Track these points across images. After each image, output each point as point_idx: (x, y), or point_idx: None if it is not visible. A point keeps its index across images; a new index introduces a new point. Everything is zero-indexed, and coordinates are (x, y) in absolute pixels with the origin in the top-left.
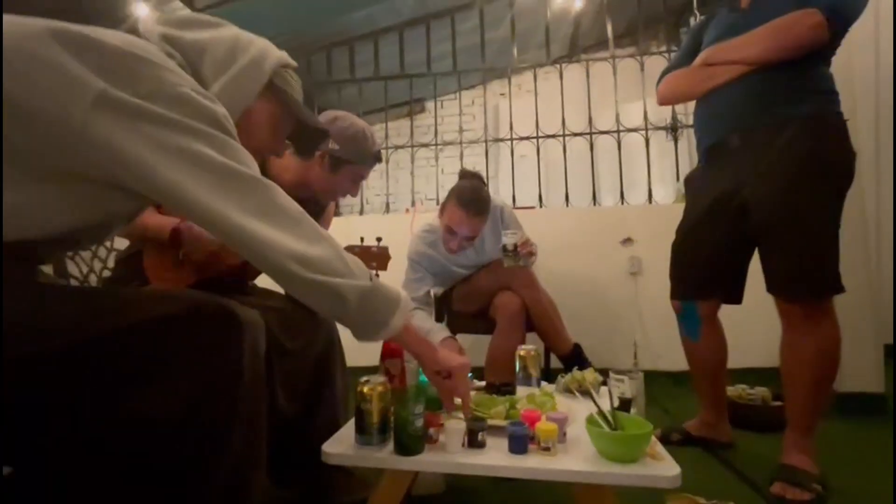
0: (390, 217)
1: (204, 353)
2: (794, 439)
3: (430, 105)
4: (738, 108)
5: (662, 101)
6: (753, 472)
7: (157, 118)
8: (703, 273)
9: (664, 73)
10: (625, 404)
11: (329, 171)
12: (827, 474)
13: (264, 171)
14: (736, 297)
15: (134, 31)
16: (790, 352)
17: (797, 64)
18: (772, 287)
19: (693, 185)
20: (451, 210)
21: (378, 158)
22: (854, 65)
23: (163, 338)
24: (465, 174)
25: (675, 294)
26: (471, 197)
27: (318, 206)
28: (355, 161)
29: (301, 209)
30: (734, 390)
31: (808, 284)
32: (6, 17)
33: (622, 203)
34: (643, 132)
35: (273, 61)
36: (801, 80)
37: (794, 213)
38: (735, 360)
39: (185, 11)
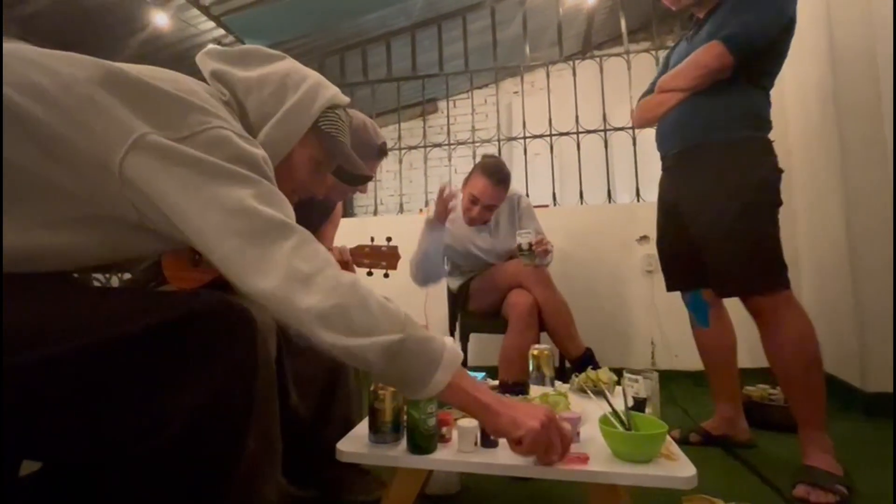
0: (404, 217)
1: (220, 351)
2: (809, 436)
3: (442, 105)
4: (674, 129)
5: (637, 126)
6: (775, 473)
7: (193, 161)
8: (680, 269)
9: (641, 98)
10: (639, 404)
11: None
12: (853, 475)
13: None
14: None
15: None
16: (768, 347)
17: (728, 92)
18: (717, 292)
19: (659, 189)
20: (476, 178)
21: (383, 151)
22: (878, 59)
23: (178, 337)
24: (488, 156)
25: (668, 286)
26: (495, 168)
27: (325, 207)
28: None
29: (328, 254)
30: (756, 390)
31: (739, 285)
32: (63, 54)
33: (638, 200)
34: None
35: (321, 103)
36: (726, 107)
37: (717, 227)
38: (755, 360)
39: (245, 45)
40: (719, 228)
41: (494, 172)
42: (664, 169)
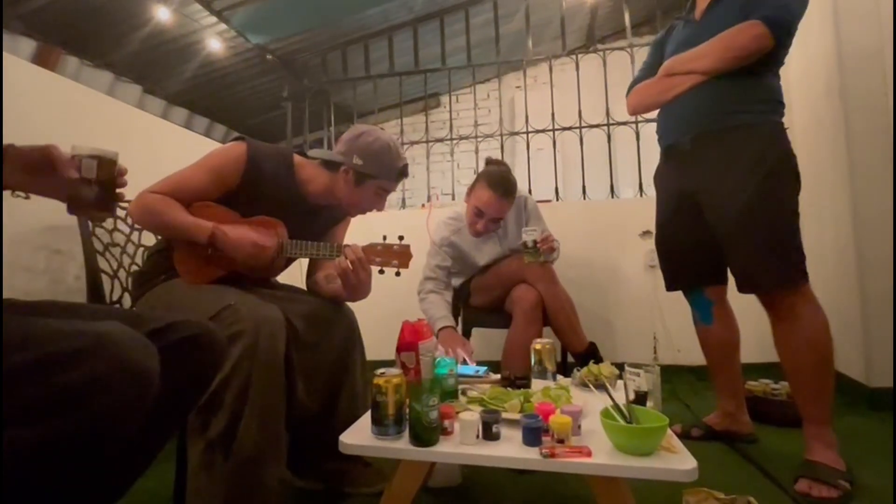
0: (406, 213)
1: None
2: (813, 432)
3: (444, 100)
4: (689, 113)
5: (633, 112)
6: (777, 467)
7: None
8: (683, 266)
9: (632, 85)
10: (641, 398)
11: (353, 185)
12: (856, 470)
13: (292, 177)
14: (723, 278)
15: None
16: (781, 343)
17: (746, 75)
18: (740, 286)
19: (658, 182)
20: (481, 191)
21: (403, 173)
22: (886, 52)
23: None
24: (491, 161)
25: (668, 286)
26: (500, 179)
27: (337, 213)
28: (378, 176)
29: None
30: (758, 385)
31: (769, 277)
32: None
33: (641, 195)
34: None
35: None
36: (747, 90)
37: (744, 213)
38: (758, 355)
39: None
40: (748, 217)
41: (500, 184)
42: (670, 157)
